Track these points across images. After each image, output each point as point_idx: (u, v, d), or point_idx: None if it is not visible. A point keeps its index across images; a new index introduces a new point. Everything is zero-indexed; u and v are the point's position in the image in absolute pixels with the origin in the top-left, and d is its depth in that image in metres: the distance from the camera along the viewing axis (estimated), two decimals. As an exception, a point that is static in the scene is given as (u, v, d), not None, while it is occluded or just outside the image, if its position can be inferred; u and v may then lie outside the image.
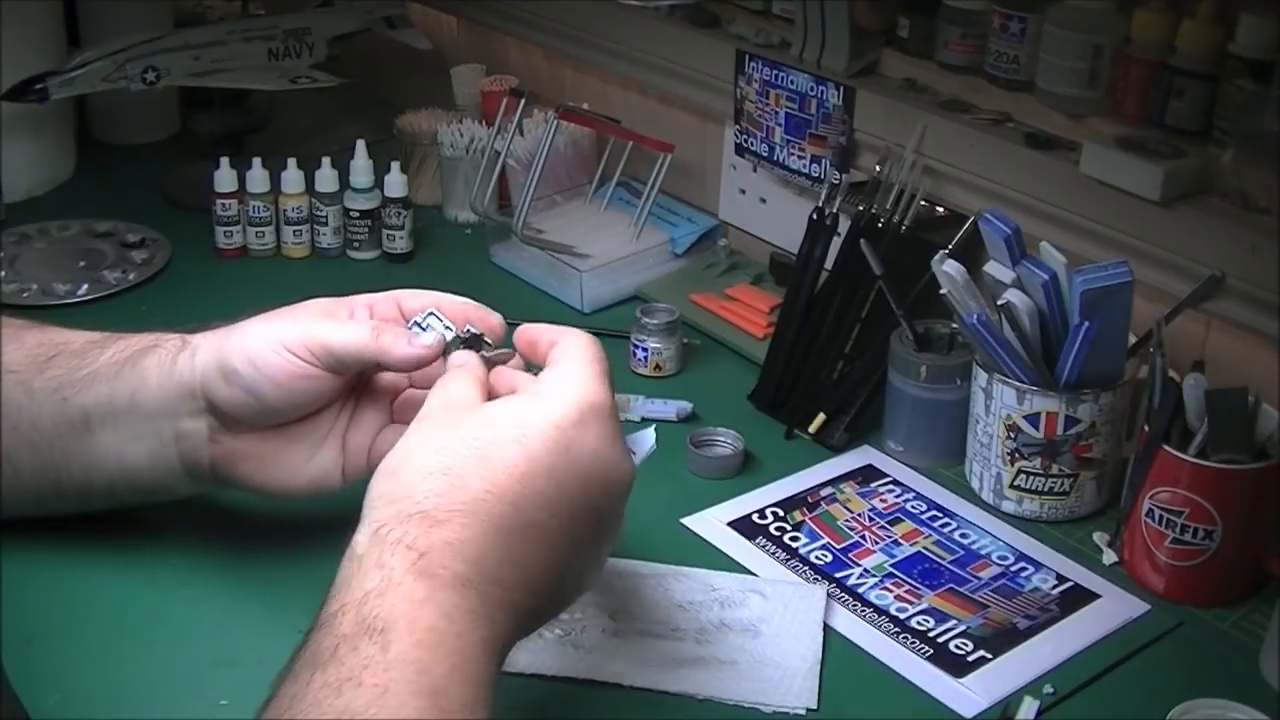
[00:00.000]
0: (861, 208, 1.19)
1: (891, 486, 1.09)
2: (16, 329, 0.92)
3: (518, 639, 0.70)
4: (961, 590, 0.97)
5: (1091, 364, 0.98)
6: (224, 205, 1.40)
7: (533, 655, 0.87)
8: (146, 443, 0.87)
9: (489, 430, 0.71)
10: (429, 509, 0.67)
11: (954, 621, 0.93)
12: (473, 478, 0.68)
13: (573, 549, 0.71)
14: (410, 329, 0.84)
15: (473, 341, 0.82)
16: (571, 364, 0.75)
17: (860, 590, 0.96)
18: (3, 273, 1.36)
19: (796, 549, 1.00)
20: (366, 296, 0.88)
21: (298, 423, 0.87)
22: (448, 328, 0.84)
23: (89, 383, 0.87)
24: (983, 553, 1.01)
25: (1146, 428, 0.96)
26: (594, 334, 0.77)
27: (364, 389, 0.90)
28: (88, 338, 0.91)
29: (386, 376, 0.90)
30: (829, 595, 0.95)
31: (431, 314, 0.85)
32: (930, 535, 1.03)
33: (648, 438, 0.77)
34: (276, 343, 0.83)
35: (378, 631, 0.61)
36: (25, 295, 1.33)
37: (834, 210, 1.21)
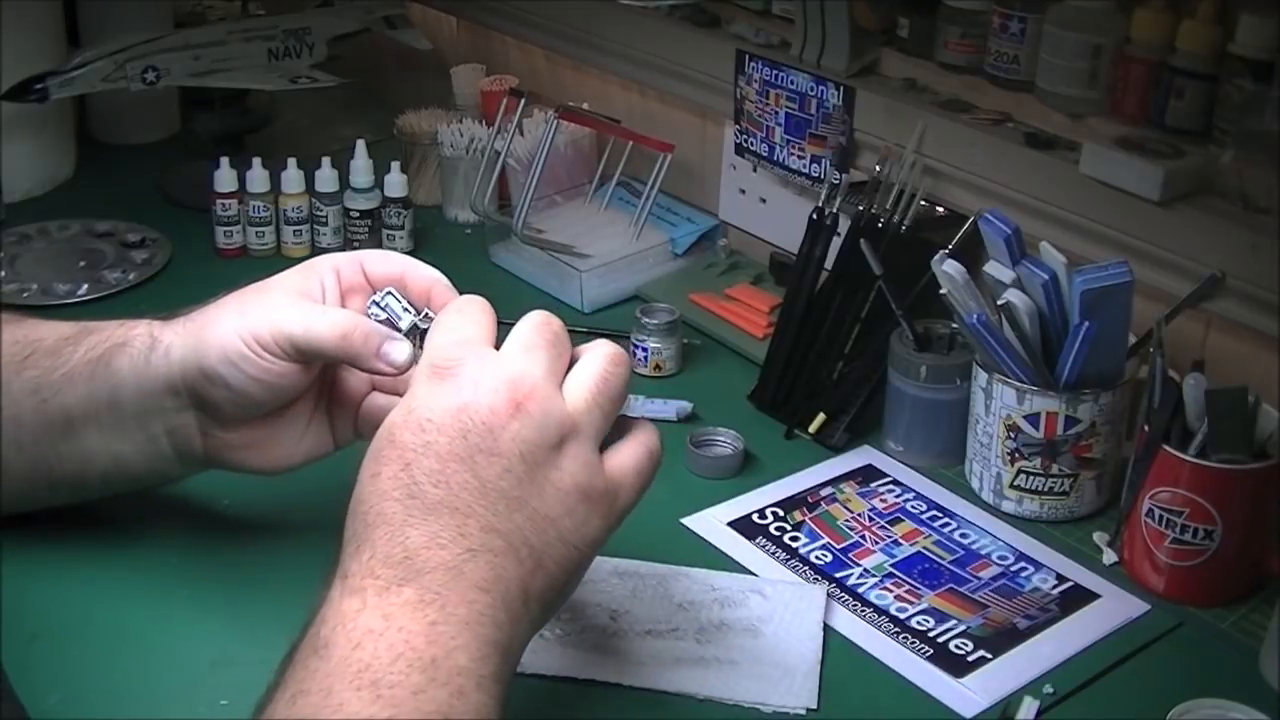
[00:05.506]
0: (861, 208, 1.19)
1: (891, 486, 1.09)
2: None
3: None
4: (961, 590, 0.97)
5: (1091, 364, 0.98)
6: (224, 205, 1.40)
7: (533, 655, 0.87)
8: (135, 439, 0.87)
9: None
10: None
11: (954, 621, 0.93)
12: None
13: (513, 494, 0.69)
14: (369, 310, 0.84)
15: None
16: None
17: (860, 590, 0.96)
18: (3, 273, 1.36)
19: (796, 549, 1.00)
20: (331, 260, 0.87)
21: (284, 407, 0.87)
22: (406, 309, 0.83)
23: (66, 383, 0.87)
24: (983, 553, 1.01)
25: (1146, 428, 0.96)
26: (593, 334, 0.76)
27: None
28: (60, 333, 0.90)
29: None
30: (829, 595, 0.95)
31: (390, 294, 0.84)
32: (930, 535, 1.03)
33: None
34: (250, 338, 0.82)
35: (321, 646, 0.65)
36: (25, 295, 1.33)
37: (834, 210, 1.21)
